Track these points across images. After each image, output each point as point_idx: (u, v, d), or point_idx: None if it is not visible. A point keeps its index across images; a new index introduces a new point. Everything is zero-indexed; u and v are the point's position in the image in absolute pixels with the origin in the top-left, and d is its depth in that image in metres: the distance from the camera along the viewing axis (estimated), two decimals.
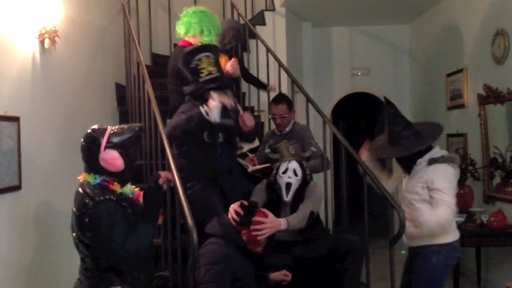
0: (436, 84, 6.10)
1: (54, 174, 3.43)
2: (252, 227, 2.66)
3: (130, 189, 2.43)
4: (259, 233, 2.66)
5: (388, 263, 3.10)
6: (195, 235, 2.42)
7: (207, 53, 3.06)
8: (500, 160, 4.59)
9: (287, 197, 3.05)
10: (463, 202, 4.72)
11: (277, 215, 2.94)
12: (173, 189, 2.88)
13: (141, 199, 2.47)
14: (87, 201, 2.22)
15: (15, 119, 2.92)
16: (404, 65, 7.03)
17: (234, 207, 2.72)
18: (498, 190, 4.70)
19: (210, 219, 2.79)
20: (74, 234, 2.31)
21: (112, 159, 2.29)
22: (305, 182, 3.11)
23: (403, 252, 3.07)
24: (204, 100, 3.10)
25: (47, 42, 3.27)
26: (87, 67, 4.18)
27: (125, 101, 4.88)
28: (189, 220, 2.50)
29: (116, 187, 2.33)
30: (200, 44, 3.39)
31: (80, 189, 2.30)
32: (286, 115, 3.69)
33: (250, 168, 3.53)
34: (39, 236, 3.20)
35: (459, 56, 5.48)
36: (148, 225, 2.33)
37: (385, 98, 3.12)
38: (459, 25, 5.51)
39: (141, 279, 2.41)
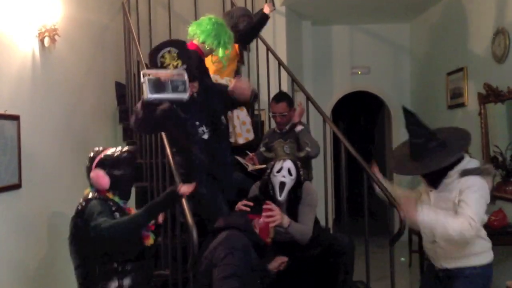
0: (436, 83, 6.10)
1: (54, 173, 3.42)
2: (264, 213, 2.71)
3: (123, 201, 2.54)
4: (271, 219, 2.70)
5: (388, 262, 3.10)
6: (195, 234, 2.42)
7: (168, 48, 2.94)
8: (500, 159, 4.59)
9: (281, 197, 3.00)
10: None
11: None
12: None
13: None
14: (79, 206, 2.43)
15: (15, 118, 2.91)
16: (404, 64, 7.03)
17: (242, 202, 2.76)
18: (499, 189, 4.70)
19: (213, 218, 2.78)
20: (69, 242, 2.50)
21: (97, 177, 2.45)
22: (299, 182, 3.07)
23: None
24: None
25: (47, 41, 3.27)
26: (87, 66, 4.18)
27: (125, 100, 4.88)
28: (189, 219, 2.51)
29: (109, 194, 2.48)
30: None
31: (80, 199, 2.48)
32: (286, 113, 3.68)
33: (250, 167, 3.53)
34: (39, 234, 3.20)
35: (460, 55, 5.48)
36: (134, 222, 2.33)
37: (403, 107, 2.78)
38: (459, 24, 5.50)
39: (138, 281, 2.42)
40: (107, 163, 2.48)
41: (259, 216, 2.69)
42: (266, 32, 5.35)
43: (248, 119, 4.27)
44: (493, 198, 4.74)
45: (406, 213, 2.57)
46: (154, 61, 2.90)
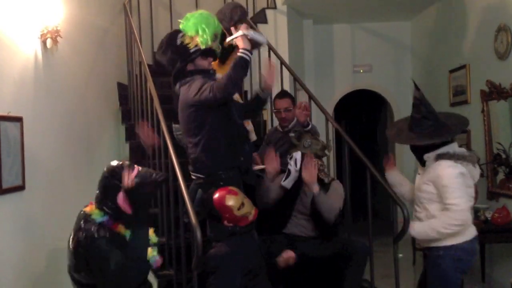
0: (439, 80, 6.08)
1: (57, 174, 3.43)
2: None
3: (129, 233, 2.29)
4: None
5: (392, 261, 3.09)
6: (199, 234, 2.42)
7: (183, 33, 3.06)
8: (503, 156, 4.58)
9: (283, 182, 3.17)
10: None
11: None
12: (176, 187, 2.88)
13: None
14: (82, 239, 2.18)
15: (18, 119, 2.92)
16: (406, 62, 7.02)
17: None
18: (502, 186, 4.69)
19: None
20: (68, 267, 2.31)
21: (123, 206, 2.24)
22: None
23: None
24: (202, 72, 3.00)
25: (49, 42, 3.28)
26: (89, 67, 4.18)
27: (127, 100, 4.88)
28: (193, 219, 2.51)
29: (121, 229, 2.27)
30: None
31: (82, 222, 2.24)
32: (291, 108, 3.69)
33: (254, 167, 3.52)
34: (42, 236, 3.21)
35: (462, 52, 5.47)
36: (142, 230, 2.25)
37: (413, 81, 3.04)
38: (461, 21, 5.49)
39: None
40: (134, 191, 2.21)
41: (223, 218, 2.67)
42: (267, 31, 5.36)
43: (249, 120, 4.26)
44: (496, 195, 4.75)
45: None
46: (174, 41, 2.99)
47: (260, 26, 5.34)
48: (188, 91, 2.93)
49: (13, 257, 2.86)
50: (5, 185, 2.76)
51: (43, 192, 3.23)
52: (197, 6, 5.59)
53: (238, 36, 2.92)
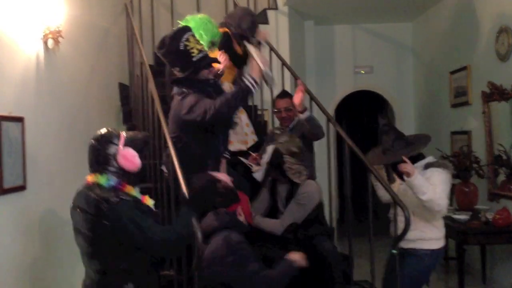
0: (440, 81, 6.08)
1: (58, 174, 3.43)
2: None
3: (137, 192, 2.37)
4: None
5: None
6: (199, 234, 2.42)
7: (191, 32, 2.95)
8: (504, 157, 4.58)
9: (255, 174, 3.32)
10: (467, 200, 4.71)
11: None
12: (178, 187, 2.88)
13: (146, 201, 2.41)
14: (102, 205, 2.16)
15: (19, 120, 2.92)
16: (407, 63, 7.02)
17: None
18: (503, 188, 4.69)
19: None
20: (82, 237, 2.26)
21: (132, 156, 2.28)
22: (281, 173, 3.16)
23: (394, 251, 3.07)
24: (200, 83, 2.94)
25: (50, 43, 3.29)
26: (90, 67, 4.19)
27: (128, 101, 4.89)
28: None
29: (129, 189, 2.29)
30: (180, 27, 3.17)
31: (90, 193, 2.21)
32: (291, 108, 3.69)
33: (254, 168, 3.52)
34: (43, 236, 3.21)
35: (463, 54, 5.47)
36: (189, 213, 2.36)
37: (379, 116, 3.47)
38: (462, 23, 5.49)
39: (151, 282, 2.39)
40: (135, 144, 2.32)
41: (236, 204, 2.76)
42: (269, 32, 5.35)
43: (249, 122, 4.27)
44: (497, 196, 4.75)
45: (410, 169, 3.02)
46: (177, 45, 2.88)
47: (261, 27, 5.33)
48: (181, 105, 2.89)
49: (14, 257, 2.87)
50: (6, 185, 2.76)
51: (44, 192, 3.23)
52: (198, 7, 5.60)
53: (255, 62, 2.80)
